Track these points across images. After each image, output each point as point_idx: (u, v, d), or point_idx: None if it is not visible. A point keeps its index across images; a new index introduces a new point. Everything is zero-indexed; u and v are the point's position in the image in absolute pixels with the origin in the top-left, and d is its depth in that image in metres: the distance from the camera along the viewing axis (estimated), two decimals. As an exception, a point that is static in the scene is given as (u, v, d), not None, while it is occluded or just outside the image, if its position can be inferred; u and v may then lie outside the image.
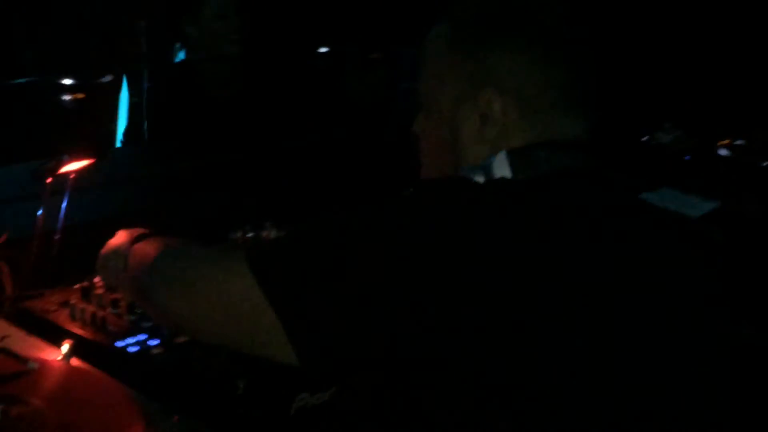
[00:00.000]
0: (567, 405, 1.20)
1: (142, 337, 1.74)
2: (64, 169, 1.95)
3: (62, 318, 1.82)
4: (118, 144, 2.63)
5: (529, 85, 1.37)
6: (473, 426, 1.22)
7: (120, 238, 1.72)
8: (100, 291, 1.89)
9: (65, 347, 1.63)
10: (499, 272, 1.20)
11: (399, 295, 1.20)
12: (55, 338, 1.70)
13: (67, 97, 2.60)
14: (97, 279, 1.94)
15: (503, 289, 1.19)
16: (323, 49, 3.31)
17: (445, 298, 1.19)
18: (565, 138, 1.38)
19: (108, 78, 2.43)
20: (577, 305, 1.22)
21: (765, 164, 2.93)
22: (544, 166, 1.34)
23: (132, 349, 1.70)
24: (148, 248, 1.57)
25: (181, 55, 3.06)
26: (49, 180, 1.94)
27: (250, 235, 2.04)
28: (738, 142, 3.02)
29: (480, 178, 1.35)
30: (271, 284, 1.27)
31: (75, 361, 1.63)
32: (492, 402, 1.20)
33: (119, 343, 1.72)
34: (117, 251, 1.68)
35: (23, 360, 1.56)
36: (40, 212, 1.96)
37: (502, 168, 1.34)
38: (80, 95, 2.60)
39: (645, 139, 3.03)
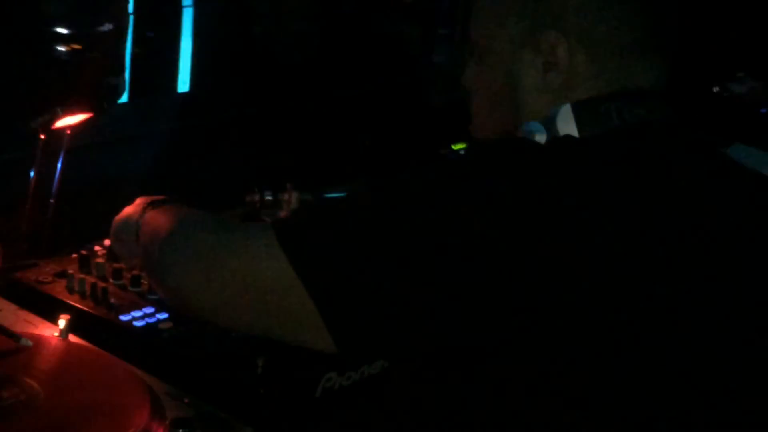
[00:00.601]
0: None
1: (149, 310, 1.74)
2: (60, 124, 1.92)
3: (58, 290, 1.83)
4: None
5: (598, 27, 1.34)
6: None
7: (136, 205, 1.70)
8: (100, 260, 1.89)
9: (62, 322, 1.62)
10: (567, 247, 1.17)
11: (449, 275, 1.18)
12: (50, 312, 1.70)
13: (62, 48, 2.59)
14: (97, 247, 1.94)
15: (572, 267, 1.17)
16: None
17: (502, 277, 1.16)
18: (639, 87, 1.35)
19: (108, 27, 2.41)
20: (657, 278, 1.20)
21: None
22: (615, 120, 1.32)
23: (138, 324, 1.71)
24: (161, 218, 1.55)
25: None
26: (43, 137, 1.93)
27: (268, 197, 2.03)
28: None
29: (541, 137, 1.33)
30: (305, 265, 1.25)
31: (73, 338, 1.63)
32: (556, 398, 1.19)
33: (123, 317, 1.73)
34: (128, 220, 1.68)
35: (15, 337, 1.55)
36: (32, 173, 1.96)
37: (566, 123, 1.32)
38: (77, 46, 2.58)
39: (716, 90, 3.00)
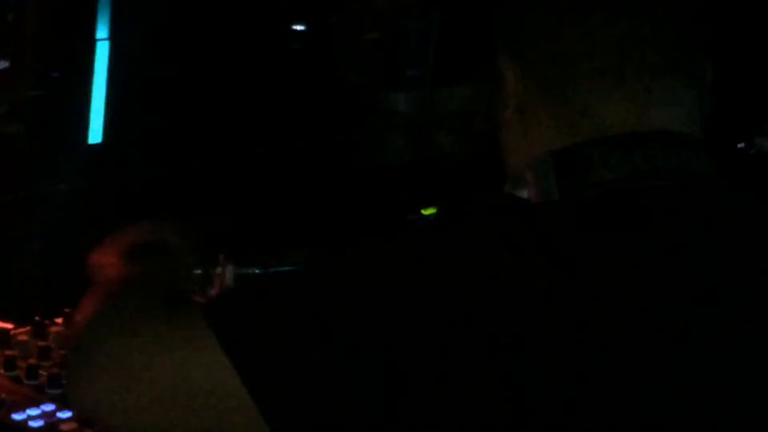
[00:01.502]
0: None
1: (48, 407, 1.73)
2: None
3: (-66, 382, 1.81)
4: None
5: (557, 45, 1.24)
6: None
7: None
8: (-12, 348, 1.87)
9: (-61, 422, 1.58)
10: (556, 359, 1.10)
11: (412, 384, 1.12)
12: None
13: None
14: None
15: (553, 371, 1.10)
16: (299, 27, 3.29)
17: (488, 396, 1.10)
18: (628, 128, 1.24)
19: (3, 65, 2.41)
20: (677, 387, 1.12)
21: None
22: (602, 172, 1.23)
23: (34, 424, 1.70)
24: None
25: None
26: None
27: (197, 272, 1.93)
28: None
29: (523, 192, 1.29)
30: (245, 358, 1.19)
31: (-48, 442, 1.60)
32: None
33: (16, 417, 1.72)
34: None
35: None
36: None
37: (543, 181, 1.25)
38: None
39: (741, 146, 3.03)
